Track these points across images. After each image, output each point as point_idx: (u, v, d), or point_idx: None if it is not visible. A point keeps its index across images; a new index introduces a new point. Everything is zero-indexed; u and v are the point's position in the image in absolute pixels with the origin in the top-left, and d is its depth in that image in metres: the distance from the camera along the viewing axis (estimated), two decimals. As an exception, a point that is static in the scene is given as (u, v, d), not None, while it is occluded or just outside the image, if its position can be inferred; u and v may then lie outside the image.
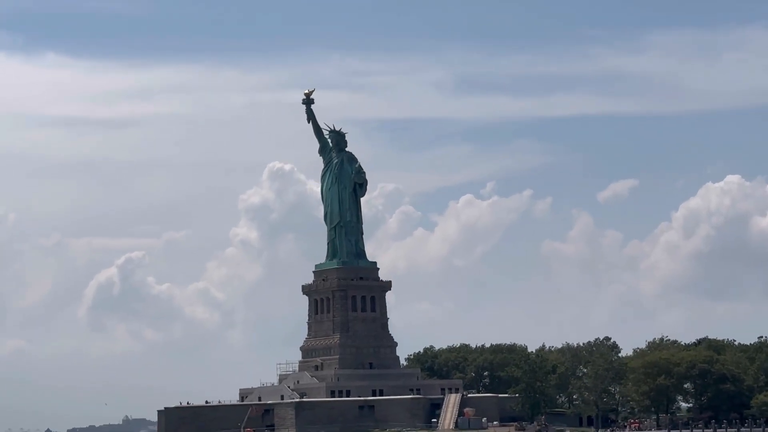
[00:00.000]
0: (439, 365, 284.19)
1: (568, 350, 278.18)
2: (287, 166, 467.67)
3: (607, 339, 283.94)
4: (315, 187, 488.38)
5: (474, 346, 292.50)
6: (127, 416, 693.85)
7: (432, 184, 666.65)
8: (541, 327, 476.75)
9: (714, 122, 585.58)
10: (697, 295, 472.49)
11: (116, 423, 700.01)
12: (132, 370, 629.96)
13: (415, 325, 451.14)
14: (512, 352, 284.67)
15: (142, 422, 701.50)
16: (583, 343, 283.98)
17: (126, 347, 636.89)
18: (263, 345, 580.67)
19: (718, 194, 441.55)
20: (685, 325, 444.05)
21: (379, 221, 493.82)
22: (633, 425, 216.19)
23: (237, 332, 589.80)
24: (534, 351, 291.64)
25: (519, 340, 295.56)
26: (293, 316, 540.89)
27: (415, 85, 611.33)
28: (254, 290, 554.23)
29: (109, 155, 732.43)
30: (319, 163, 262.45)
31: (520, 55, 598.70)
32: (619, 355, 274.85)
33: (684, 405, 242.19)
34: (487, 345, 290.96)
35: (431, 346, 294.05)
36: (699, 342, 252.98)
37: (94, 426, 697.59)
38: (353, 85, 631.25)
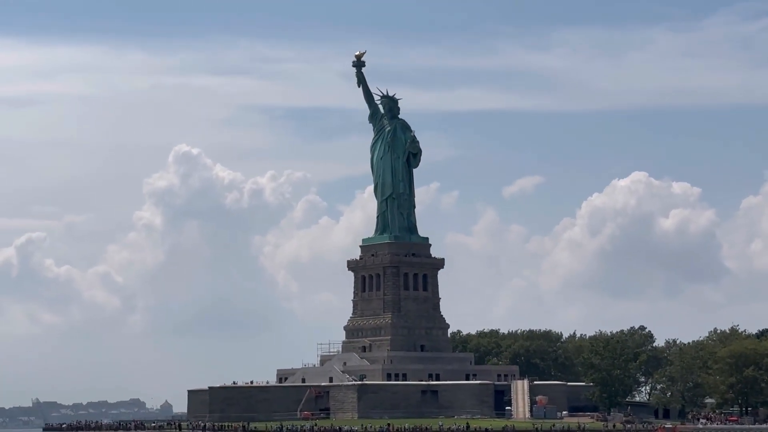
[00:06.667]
0: (470, 350, 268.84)
1: (601, 338, 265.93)
2: (194, 150, 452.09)
3: (642, 328, 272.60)
4: (221, 172, 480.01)
5: (506, 332, 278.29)
6: (37, 399, 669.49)
7: (338, 173, 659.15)
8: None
9: (618, 121, 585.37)
10: (596, 293, 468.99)
11: (26, 405, 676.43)
12: (35, 353, 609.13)
13: (318, 313, 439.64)
14: (547, 339, 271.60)
15: (53, 405, 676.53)
16: (616, 332, 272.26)
17: (23, 330, 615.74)
18: (161, 331, 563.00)
19: (624, 193, 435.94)
20: (584, 321, 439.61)
21: (285, 209, 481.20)
22: (731, 419, 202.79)
23: (137, 316, 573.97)
24: (565, 338, 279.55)
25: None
26: (193, 303, 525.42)
27: (323, 73, 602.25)
28: (155, 275, 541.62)
29: (9, 134, 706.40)
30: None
31: (428, 48, 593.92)
32: (654, 345, 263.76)
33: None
34: (519, 331, 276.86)
35: (458, 331, 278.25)
36: (762, 333, 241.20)
37: (3, 408, 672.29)
38: (261, 71, 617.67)
